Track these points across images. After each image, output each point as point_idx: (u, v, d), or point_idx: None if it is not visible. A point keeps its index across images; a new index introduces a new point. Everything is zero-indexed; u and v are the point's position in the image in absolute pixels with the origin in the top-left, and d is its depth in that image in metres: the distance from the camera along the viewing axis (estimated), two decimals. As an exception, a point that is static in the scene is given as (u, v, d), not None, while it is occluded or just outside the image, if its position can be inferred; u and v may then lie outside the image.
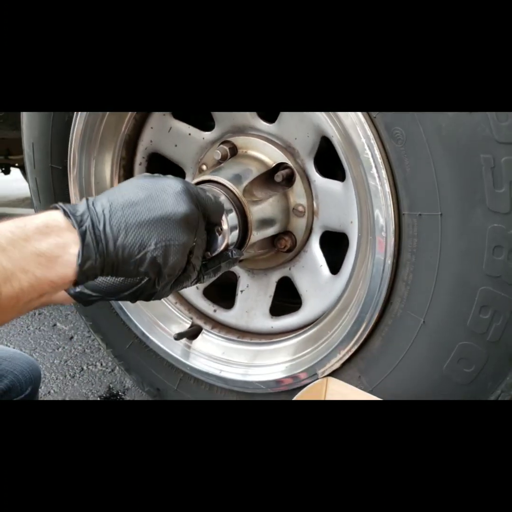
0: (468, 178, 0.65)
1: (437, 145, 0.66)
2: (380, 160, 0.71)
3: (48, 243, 0.55)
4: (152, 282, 0.66)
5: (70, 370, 1.56)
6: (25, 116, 1.09)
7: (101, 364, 1.58)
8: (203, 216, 0.66)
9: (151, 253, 0.60)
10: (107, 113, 1.00)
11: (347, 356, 0.85)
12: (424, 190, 0.69)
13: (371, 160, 0.71)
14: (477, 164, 0.64)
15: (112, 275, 0.63)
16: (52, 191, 1.13)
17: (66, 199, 1.11)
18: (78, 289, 0.86)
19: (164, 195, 0.61)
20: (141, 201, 0.60)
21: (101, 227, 0.58)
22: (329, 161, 0.97)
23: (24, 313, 0.60)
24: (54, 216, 0.58)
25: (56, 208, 0.59)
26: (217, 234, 0.88)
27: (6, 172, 4.24)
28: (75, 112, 1.00)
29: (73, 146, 1.03)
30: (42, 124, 1.06)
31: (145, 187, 0.62)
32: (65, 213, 0.58)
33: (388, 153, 0.71)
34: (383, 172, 0.71)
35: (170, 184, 0.63)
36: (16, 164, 3.96)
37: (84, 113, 0.99)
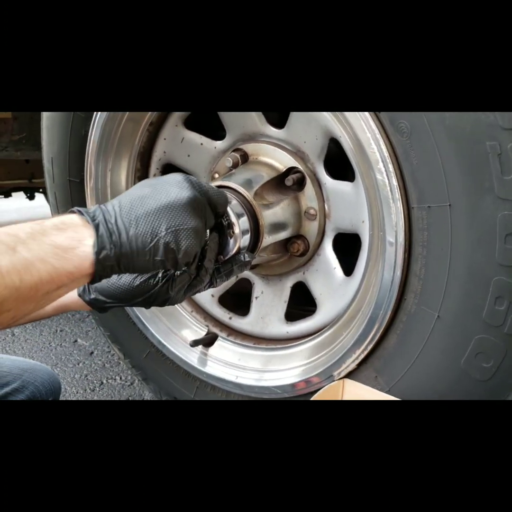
0: (475, 166, 0.65)
1: (441, 135, 0.66)
2: (386, 154, 0.71)
3: (65, 237, 0.58)
4: (166, 287, 0.68)
5: (90, 384, 1.57)
6: (45, 132, 1.14)
7: (121, 378, 1.59)
8: (209, 205, 0.68)
9: (163, 239, 0.61)
10: (122, 124, 1.03)
11: (362, 356, 0.83)
12: (431, 182, 0.69)
13: (377, 154, 0.72)
14: (484, 151, 0.63)
15: (130, 271, 0.64)
16: (71, 203, 1.16)
17: (84, 212, 1.14)
18: (93, 295, 0.88)
19: (167, 185, 0.65)
20: (147, 194, 0.63)
21: (113, 221, 0.61)
22: (338, 163, 0.98)
23: (42, 306, 0.61)
24: (70, 216, 0.62)
25: (72, 212, 0.63)
26: (229, 237, 0.89)
27: (31, 197, 4.37)
28: (91, 125, 1.03)
29: (89, 159, 1.07)
30: (60, 138, 1.10)
31: (149, 184, 0.66)
32: (79, 212, 0.62)
33: (394, 147, 0.71)
34: (390, 166, 0.71)
35: (171, 177, 0.67)
36: (41, 190, 4.09)
37: (100, 126, 1.02)
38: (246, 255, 0.84)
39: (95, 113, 1.02)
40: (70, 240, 0.58)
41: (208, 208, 0.67)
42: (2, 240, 0.54)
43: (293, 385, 0.96)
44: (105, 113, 1.01)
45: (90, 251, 0.59)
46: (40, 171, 2.71)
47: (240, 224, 0.89)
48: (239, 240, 0.90)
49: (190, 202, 0.63)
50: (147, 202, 0.62)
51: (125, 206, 0.62)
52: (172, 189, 0.64)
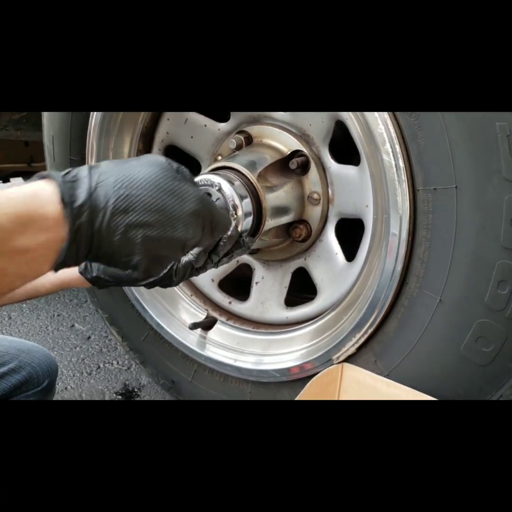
0: (483, 147, 0.64)
1: (451, 115, 0.65)
2: (393, 135, 0.70)
3: (27, 238, 0.46)
4: (169, 274, 0.70)
5: (87, 367, 1.57)
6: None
7: (118, 362, 1.59)
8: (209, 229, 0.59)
9: (137, 261, 0.52)
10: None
11: (362, 340, 0.83)
12: (438, 163, 0.69)
13: (385, 135, 0.71)
14: (493, 132, 0.63)
15: (97, 259, 0.53)
16: (72, 183, 1.15)
17: (85, 192, 1.13)
18: (95, 273, 0.87)
19: (179, 208, 0.53)
20: (155, 220, 0.51)
21: (97, 226, 0.49)
22: (342, 147, 0.97)
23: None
24: (41, 198, 0.47)
25: (48, 178, 0.49)
26: (231, 219, 0.88)
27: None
28: (94, 104, 1.02)
29: (91, 138, 1.06)
30: (62, 117, 1.09)
31: (163, 193, 0.52)
32: (62, 201, 0.47)
33: (402, 128, 0.71)
34: (397, 147, 0.71)
35: (189, 195, 0.54)
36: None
37: (103, 104, 1.01)
38: (246, 239, 0.83)
39: (98, 90, 1.01)
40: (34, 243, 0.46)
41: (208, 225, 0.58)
42: None
43: (291, 369, 0.95)
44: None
45: (55, 258, 0.48)
46: (40, 155, 2.69)
47: (243, 206, 0.89)
48: (242, 222, 0.89)
49: (186, 241, 0.55)
50: (151, 232, 0.51)
51: (119, 213, 0.49)
52: (182, 222, 0.53)
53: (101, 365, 1.58)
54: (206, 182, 0.88)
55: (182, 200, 0.53)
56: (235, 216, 0.88)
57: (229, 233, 0.84)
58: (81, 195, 0.49)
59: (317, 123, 0.94)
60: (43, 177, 0.49)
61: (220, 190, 0.87)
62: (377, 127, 0.72)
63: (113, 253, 0.51)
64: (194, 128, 1.09)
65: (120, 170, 0.53)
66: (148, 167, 0.54)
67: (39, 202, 0.47)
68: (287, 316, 1.06)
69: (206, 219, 0.57)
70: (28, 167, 2.70)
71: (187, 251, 0.59)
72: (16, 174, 3.74)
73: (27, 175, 3.98)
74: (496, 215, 0.65)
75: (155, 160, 0.56)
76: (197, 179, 0.87)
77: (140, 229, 0.51)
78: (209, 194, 0.85)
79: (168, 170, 0.54)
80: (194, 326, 1.10)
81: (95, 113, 1.03)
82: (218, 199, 0.88)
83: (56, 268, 0.50)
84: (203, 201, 0.56)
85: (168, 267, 0.71)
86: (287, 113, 0.99)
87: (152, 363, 1.18)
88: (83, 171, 0.51)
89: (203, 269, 0.78)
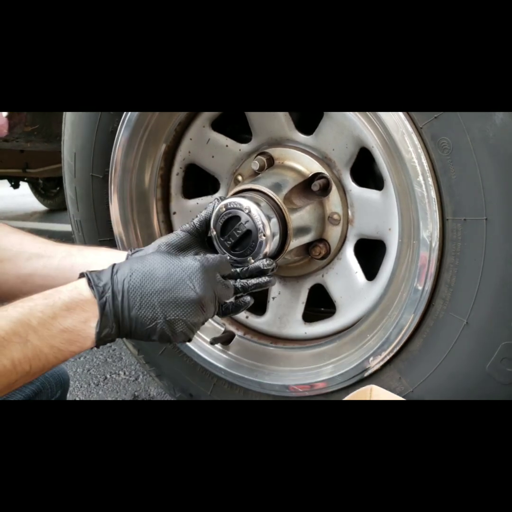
0: (514, 184, 0.69)
1: (484, 153, 0.70)
2: (427, 168, 0.75)
3: (72, 319, 0.65)
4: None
5: (93, 378, 1.57)
6: (68, 126, 1.13)
7: (124, 373, 1.60)
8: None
9: (160, 325, 0.68)
10: (152, 123, 1.04)
11: (388, 358, 0.87)
12: (469, 196, 0.73)
13: (418, 168, 0.75)
14: (523, 170, 0.68)
15: (127, 338, 0.72)
16: (91, 199, 1.16)
17: (104, 207, 1.15)
18: None
19: (182, 274, 0.69)
20: (159, 278, 0.69)
21: (119, 298, 0.67)
22: (361, 170, 1.01)
23: None
24: (80, 289, 0.68)
25: (83, 276, 0.70)
26: (260, 240, 0.92)
27: (16, 186, 4.28)
28: (121, 123, 1.04)
29: (116, 156, 1.07)
30: (86, 134, 1.10)
31: (166, 264, 0.71)
32: (89, 283, 0.68)
33: (434, 162, 0.75)
34: (429, 180, 0.75)
35: (189, 264, 0.71)
36: (25, 178, 4.01)
37: (129, 124, 1.03)
38: (265, 262, 0.88)
39: (125, 112, 1.02)
40: (77, 322, 0.65)
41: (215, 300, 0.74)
42: (16, 331, 0.61)
43: (313, 384, 0.99)
44: (136, 113, 1.01)
45: (93, 333, 0.66)
46: (35, 161, 2.66)
47: (271, 226, 0.92)
48: (270, 242, 0.93)
49: (198, 300, 0.69)
50: (156, 286, 0.68)
51: (135, 284, 0.68)
52: (185, 281, 0.69)
53: (108, 376, 1.58)
54: (235, 206, 0.91)
55: (185, 265, 0.71)
56: (264, 236, 0.92)
57: (261, 255, 0.88)
58: (104, 278, 0.69)
59: (341, 148, 0.98)
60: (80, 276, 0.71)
61: (249, 213, 0.91)
62: (410, 161, 0.76)
63: (137, 320, 0.68)
64: (216, 148, 1.12)
65: (134, 261, 0.73)
66: (155, 253, 0.76)
67: (78, 290, 0.68)
68: (306, 331, 1.10)
69: (210, 275, 0.73)
70: (23, 172, 2.68)
71: (204, 312, 0.72)
72: (1, 177, 3.68)
73: (12, 179, 3.92)
74: (523, 247, 0.70)
75: (164, 255, 0.75)
76: (226, 201, 0.91)
77: (155, 295, 0.68)
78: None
79: (171, 254, 0.77)
80: (214, 341, 1.12)
81: (122, 130, 1.04)
82: (247, 221, 0.91)
83: (97, 343, 0.67)
84: (202, 262, 0.73)
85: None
86: (310, 137, 1.03)
87: (170, 377, 1.20)
88: (108, 267, 0.71)
89: (237, 306, 0.86)
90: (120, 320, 0.67)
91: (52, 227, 3.86)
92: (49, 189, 4.37)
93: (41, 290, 0.87)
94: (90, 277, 0.68)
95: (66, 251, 0.89)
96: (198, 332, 1.17)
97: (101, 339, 0.67)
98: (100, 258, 0.89)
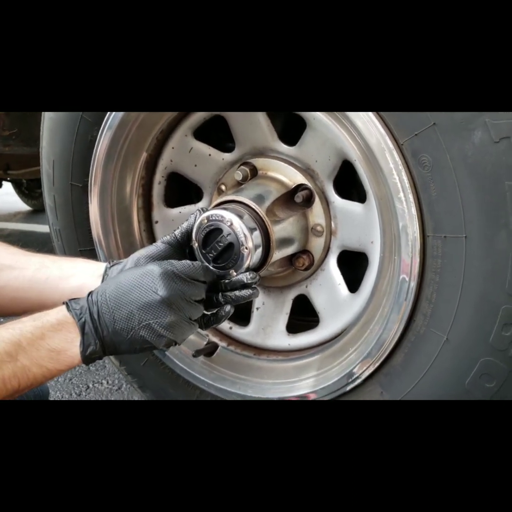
0: (493, 203, 0.69)
1: (463, 172, 0.70)
2: (407, 185, 0.75)
3: (59, 338, 0.70)
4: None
5: (75, 388, 1.55)
6: (46, 133, 1.11)
7: (107, 382, 1.58)
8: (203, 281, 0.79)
9: (137, 332, 0.71)
10: (133, 131, 1.02)
11: (368, 372, 0.87)
12: (449, 214, 0.73)
13: (399, 184, 0.75)
14: (502, 190, 0.68)
15: (117, 354, 0.76)
16: (71, 208, 1.14)
17: (84, 216, 1.13)
18: None
19: (144, 280, 0.73)
20: (126, 290, 0.73)
21: (96, 317, 0.71)
22: (344, 182, 1.01)
23: None
24: (65, 312, 0.72)
25: (64, 304, 0.74)
26: (242, 253, 0.91)
27: (-2, 186, 4.19)
28: (100, 131, 1.02)
29: (95, 165, 1.06)
30: (64, 142, 1.08)
31: (131, 275, 0.75)
32: (67, 308, 0.73)
33: (414, 178, 0.75)
34: (410, 196, 0.75)
35: (151, 270, 0.74)
36: (9, 178, 3.94)
37: (110, 132, 1.01)
38: (248, 275, 0.87)
39: (105, 119, 1.01)
40: (63, 342, 0.70)
41: (187, 300, 0.75)
42: (7, 351, 0.65)
43: (297, 398, 0.99)
44: (116, 119, 1.00)
45: (78, 351, 0.70)
46: (16, 163, 2.61)
47: (253, 238, 0.91)
48: (252, 254, 0.92)
49: (165, 299, 0.71)
50: (124, 298, 0.72)
51: (109, 301, 0.72)
52: (149, 285, 0.72)
53: (91, 385, 1.56)
54: (217, 218, 0.90)
55: (147, 272, 0.75)
56: (246, 249, 0.91)
57: (244, 267, 0.87)
58: (81, 302, 0.73)
59: (324, 160, 0.98)
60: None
61: (231, 225, 0.90)
62: (391, 177, 0.76)
63: (115, 334, 0.71)
64: (198, 157, 1.11)
65: (107, 281, 0.78)
66: (126, 274, 0.77)
67: (64, 313, 0.72)
68: (289, 343, 1.09)
69: (174, 277, 0.75)
70: (4, 174, 2.64)
71: (177, 310, 0.73)
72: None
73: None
74: (502, 265, 0.71)
75: (132, 270, 0.78)
76: (208, 213, 0.90)
77: (124, 307, 0.72)
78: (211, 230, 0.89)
79: (137, 267, 0.80)
80: (197, 353, 1.11)
81: (101, 139, 1.02)
82: (229, 234, 0.90)
83: (84, 361, 0.71)
84: (164, 266, 0.75)
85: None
86: (293, 148, 1.02)
87: (152, 389, 1.19)
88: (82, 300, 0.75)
89: (219, 316, 0.86)
90: (101, 337, 0.71)
91: (36, 228, 3.80)
92: (33, 189, 4.30)
93: (12, 303, 0.87)
94: (68, 303, 0.73)
95: (40, 263, 0.88)
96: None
97: (88, 357, 0.71)
98: (77, 270, 0.88)
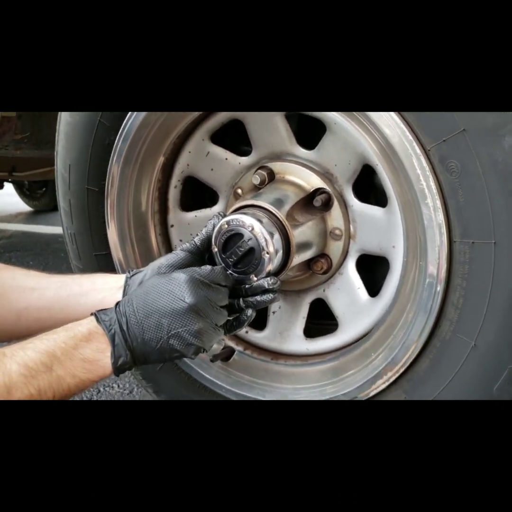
0: (524, 208, 0.69)
1: (493, 178, 0.70)
2: (435, 191, 0.74)
3: (91, 349, 0.70)
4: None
5: (86, 392, 1.54)
6: (62, 137, 1.10)
7: (118, 386, 1.57)
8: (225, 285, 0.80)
9: (166, 341, 0.72)
10: (151, 135, 1.01)
11: (393, 378, 0.87)
12: (477, 220, 0.73)
13: (426, 190, 0.75)
14: (533, 195, 0.68)
15: (147, 364, 0.76)
16: (87, 212, 1.13)
17: (100, 220, 1.12)
18: None
19: (170, 287, 0.73)
20: (153, 300, 0.73)
21: (125, 328, 0.71)
22: (363, 185, 1.00)
23: None
24: (95, 323, 0.73)
25: (93, 315, 0.74)
26: (263, 258, 0.90)
27: (-1, 187, 4.18)
28: (118, 136, 1.01)
29: (113, 169, 1.05)
30: (81, 146, 1.07)
31: (157, 284, 0.75)
32: (97, 320, 0.73)
33: (441, 184, 0.75)
34: (438, 202, 0.74)
35: (176, 278, 0.74)
36: (10, 180, 3.92)
37: (128, 136, 1.01)
38: (269, 280, 0.87)
39: (124, 122, 1.00)
40: (95, 352, 0.70)
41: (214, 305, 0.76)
42: (43, 361, 0.66)
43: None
44: (136, 123, 0.99)
45: (110, 361, 0.71)
46: (22, 165, 2.60)
47: (274, 242, 0.91)
48: (274, 258, 0.91)
49: (192, 306, 0.72)
50: (151, 307, 0.72)
51: (137, 311, 0.72)
52: (174, 294, 0.72)
53: (102, 389, 1.55)
54: (238, 223, 0.90)
55: (172, 279, 0.76)
56: (267, 254, 0.90)
57: (265, 272, 0.87)
58: (110, 313, 0.74)
59: (344, 164, 0.97)
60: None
61: (252, 230, 0.90)
62: (418, 183, 0.75)
63: (145, 344, 0.71)
64: (215, 161, 1.10)
65: (133, 292, 0.78)
66: (153, 283, 0.77)
67: (95, 324, 0.73)
68: (307, 347, 1.09)
69: (201, 283, 0.75)
70: (10, 176, 2.62)
71: (205, 323, 0.74)
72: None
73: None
74: (532, 270, 0.70)
75: (158, 278, 0.78)
76: (228, 218, 0.90)
77: (152, 316, 0.72)
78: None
79: (162, 274, 0.80)
80: (215, 358, 1.10)
81: (119, 144, 1.02)
82: (250, 239, 0.90)
83: (116, 372, 0.72)
84: (190, 273, 0.76)
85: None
86: (312, 151, 1.01)
87: (168, 393, 1.18)
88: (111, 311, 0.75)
89: (241, 321, 0.86)
90: (131, 348, 0.71)
91: (38, 229, 3.79)
92: (34, 190, 4.29)
93: (36, 323, 0.87)
94: (97, 314, 0.73)
95: (61, 282, 0.89)
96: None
97: (119, 368, 0.71)
98: (96, 285, 0.89)
